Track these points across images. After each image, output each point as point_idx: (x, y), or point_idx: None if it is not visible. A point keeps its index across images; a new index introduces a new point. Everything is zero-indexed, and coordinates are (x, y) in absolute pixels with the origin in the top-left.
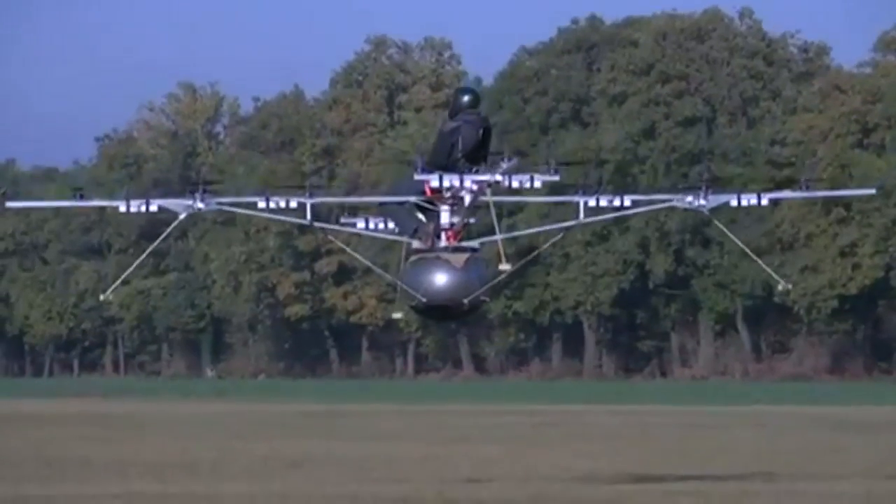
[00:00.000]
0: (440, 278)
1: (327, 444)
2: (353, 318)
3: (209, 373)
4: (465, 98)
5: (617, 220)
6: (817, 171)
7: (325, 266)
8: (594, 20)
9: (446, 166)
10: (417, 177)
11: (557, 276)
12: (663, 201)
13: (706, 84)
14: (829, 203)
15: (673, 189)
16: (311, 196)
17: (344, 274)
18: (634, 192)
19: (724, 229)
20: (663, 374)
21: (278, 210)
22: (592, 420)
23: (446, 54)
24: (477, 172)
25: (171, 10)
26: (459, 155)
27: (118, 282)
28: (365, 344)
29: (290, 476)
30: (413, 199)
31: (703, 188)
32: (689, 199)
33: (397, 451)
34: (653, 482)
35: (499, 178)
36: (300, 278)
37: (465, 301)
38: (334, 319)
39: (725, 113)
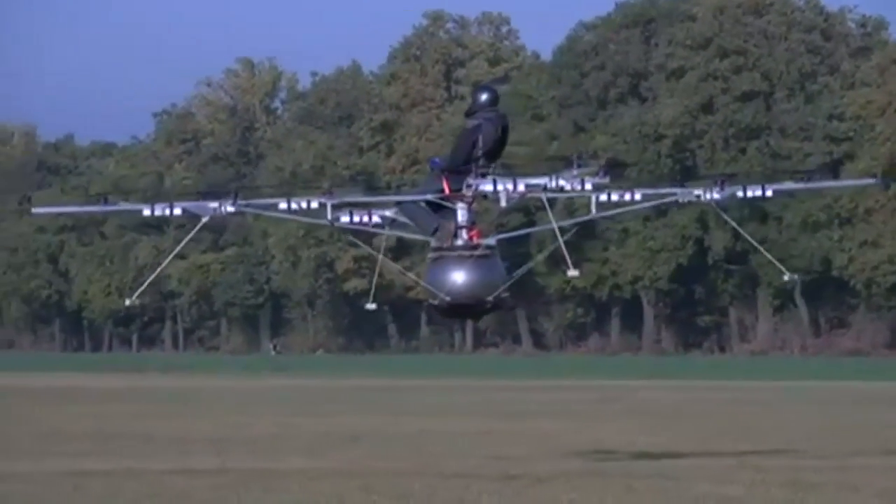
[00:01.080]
0: (464, 277)
1: (386, 420)
2: (411, 294)
3: (270, 348)
4: (485, 96)
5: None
6: (875, 145)
7: (384, 241)
8: None
9: (467, 164)
10: (471, 181)
11: (616, 251)
12: (670, 195)
13: (764, 59)
14: (888, 177)
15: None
16: (331, 196)
17: (403, 249)
18: (693, 167)
19: (731, 221)
20: (722, 350)
21: (301, 211)
22: (651, 395)
23: (504, 29)
24: (494, 170)
25: None
26: (480, 153)
27: (144, 285)
28: (423, 319)
29: (349, 451)
30: (430, 196)
31: (719, 182)
32: (697, 192)
33: (456, 427)
34: (711, 457)
35: (547, 182)
36: (359, 253)
37: (489, 299)
38: (393, 294)
39: (783, 88)
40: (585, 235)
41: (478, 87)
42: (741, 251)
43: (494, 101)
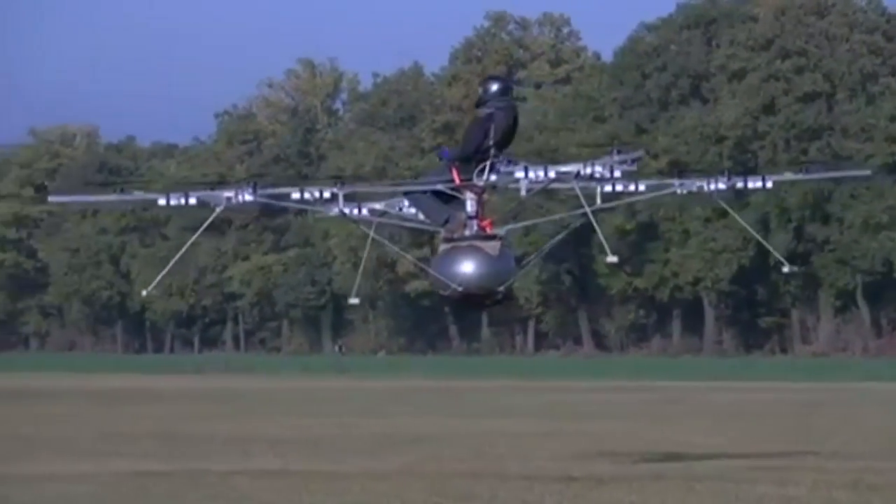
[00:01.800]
0: (477, 266)
1: (447, 421)
2: None
3: (336, 349)
4: (496, 86)
5: (737, 197)
6: None
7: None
8: None
9: (477, 154)
10: (505, 168)
11: (677, 253)
12: (668, 185)
13: (826, 59)
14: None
15: (792, 163)
16: (341, 186)
17: None
18: (754, 168)
19: (730, 210)
20: (783, 351)
21: (314, 201)
22: (712, 397)
23: (565, 30)
24: (503, 161)
25: None
26: (491, 143)
27: (159, 277)
28: (485, 320)
29: (410, 453)
30: (440, 186)
31: (726, 172)
32: (700, 183)
33: (518, 428)
34: (772, 459)
35: (581, 169)
36: (420, 254)
37: (501, 289)
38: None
39: (845, 89)
40: (647, 237)
41: (488, 77)
42: (803, 252)
43: (506, 90)
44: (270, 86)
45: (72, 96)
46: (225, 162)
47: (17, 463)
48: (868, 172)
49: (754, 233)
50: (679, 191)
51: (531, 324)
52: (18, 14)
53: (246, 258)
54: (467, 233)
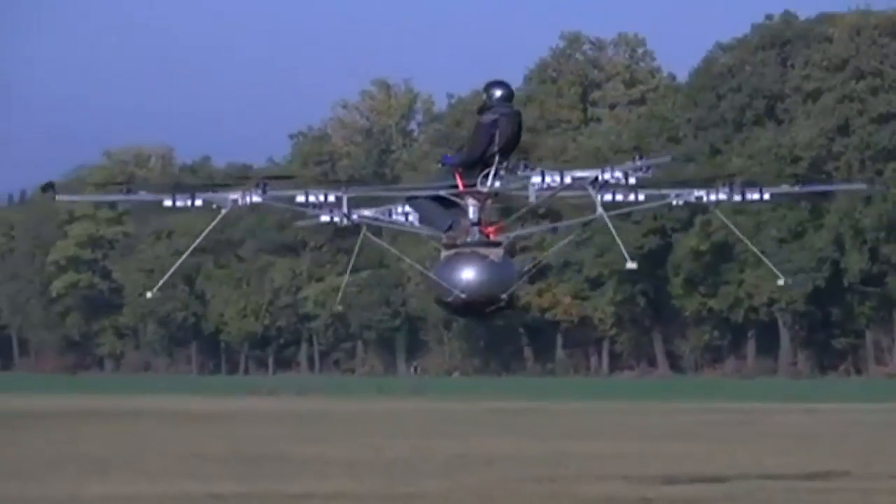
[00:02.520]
0: (479, 273)
1: (522, 442)
2: (547, 316)
3: (410, 371)
4: (499, 91)
5: (812, 217)
6: None
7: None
8: (788, 16)
9: (482, 160)
10: (522, 173)
11: (752, 274)
12: (663, 196)
13: None
14: None
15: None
16: (346, 190)
17: (539, 271)
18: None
19: (728, 222)
20: (858, 372)
21: (318, 204)
22: (787, 418)
23: (640, 51)
24: (508, 166)
25: (366, 7)
26: (496, 149)
27: (165, 277)
28: (559, 341)
29: (484, 474)
30: (443, 192)
31: (728, 184)
32: (698, 193)
33: (592, 449)
34: (846, 479)
35: (599, 175)
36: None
37: (503, 297)
38: (529, 317)
39: None
40: (722, 258)
41: (492, 83)
42: (878, 273)
43: (509, 96)
44: (345, 107)
45: (146, 117)
46: (299, 184)
47: (92, 484)
48: (863, 186)
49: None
50: (675, 202)
51: (605, 345)
52: (94, 37)
53: (320, 279)
54: (470, 239)
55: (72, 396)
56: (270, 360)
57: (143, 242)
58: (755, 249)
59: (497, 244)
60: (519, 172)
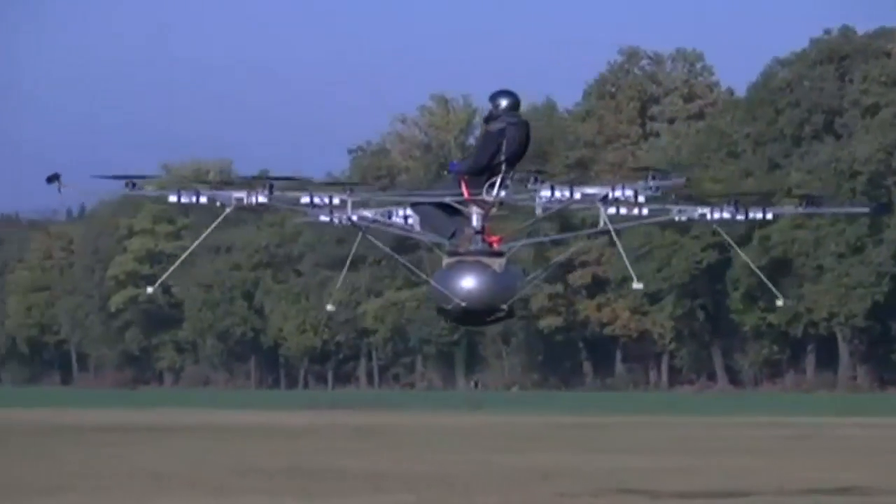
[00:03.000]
0: (480, 282)
1: (581, 457)
2: (606, 330)
3: (471, 385)
4: (506, 101)
5: (871, 231)
6: None
7: (579, 278)
8: (847, 31)
9: (489, 168)
10: (532, 186)
11: (811, 288)
12: (666, 211)
13: None
14: None
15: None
16: (351, 193)
17: (598, 286)
18: (888, 203)
19: (734, 246)
20: None
21: (322, 206)
22: (846, 432)
23: (698, 65)
24: (514, 176)
25: (425, 22)
26: (503, 158)
27: (165, 275)
28: (619, 356)
29: (544, 488)
30: (448, 199)
31: (734, 203)
32: (703, 211)
33: (651, 464)
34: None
35: (617, 193)
36: (553, 290)
37: (504, 307)
38: (588, 331)
39: None
40: (781, 272)
41: (498, 92)
42: None
43: (515, 105)
44: (404, 121)
45: (205, 131)
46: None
47: (152, 499)
48: (867, 210)
49: (759, 273)
50: (678, 217)
51: (665, 359)
52: (152, 52)
53: (379, 294)
54: (473, 247)
55: (131, 411)
56: (329, 375)
57: (202, 257)
58: (754, 266)
59: (500, 253)
60: (529, 185)
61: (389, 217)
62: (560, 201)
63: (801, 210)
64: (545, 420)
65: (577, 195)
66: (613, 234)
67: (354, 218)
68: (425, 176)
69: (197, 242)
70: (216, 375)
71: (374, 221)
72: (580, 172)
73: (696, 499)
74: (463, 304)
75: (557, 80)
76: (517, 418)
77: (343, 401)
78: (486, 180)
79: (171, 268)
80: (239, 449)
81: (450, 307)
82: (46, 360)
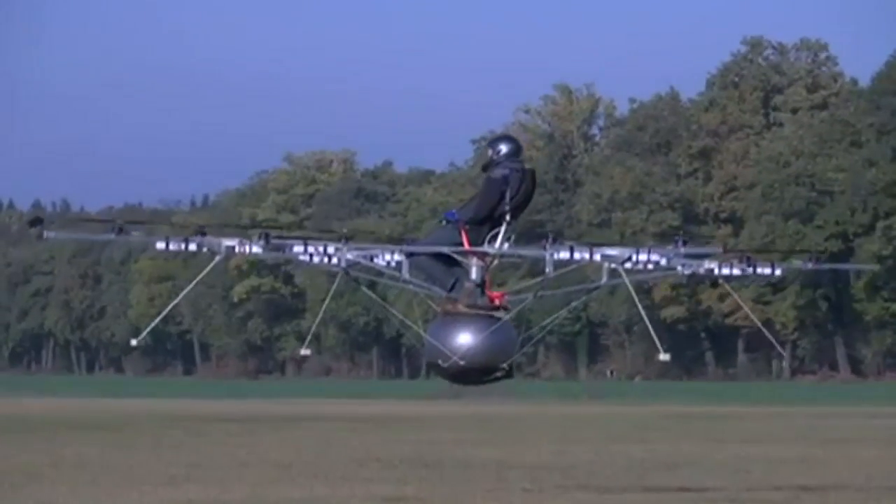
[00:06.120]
0: (482, 339)
1: (705, 447)
2: (728, 320)
3: (607, 374)
4: (506, 147)
5: None
6: None
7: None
8: None
9: (492, 218)
10: (550, 247)
11: None
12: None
13: None
14: None
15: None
16: (345, 243)
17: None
18: None
19: (728, 287)
20: None
21: (318, 254)
22: None
23: (822, 55)
24: (515, 230)
25: (548, 11)
26: (507, 207)
27: (150, 327)
28: (741, 346)
29: (667, 479)
30: (447, 250)
31: (745, 259)
32: (711, 266)
33: (774, 454)
34: None
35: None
36: (677, 281)
37: (504, 366)
38: (710, 321)
39: None
40: None
41: (497, 138)
42: None
43: (517, 151)
44: (527, 112)
45: (329, 122)
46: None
47: (274, 488)
48: (876, 267)
49: (753, 318)
50: (683, 271)
51: (787, 349)
52: (283, 41)
53: (501, 283)
54: (472, 301)
55: (253, 401)
56: None
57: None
58: (743, 304)
59: (502, 308)
60: (547, 247)
61: (371, 260)
62: (577, 262)
63: (810, 266)
64: (668, 410)
65: (597, 257)
66: (632, 291)
67: (349, 270)
68: (549, 165)
69: (185, 293)
70: (338, 365)
71: (356, 264)
72: (703, 162)
73: (814, 491)
74: (461, 362)
75: (681, 70)
76: (640, 408)
77: (466, 390)
78: (488, 231)
79: (162, 314)
80: (361, 439)
81: (446, 364)
82: (169, 350)
